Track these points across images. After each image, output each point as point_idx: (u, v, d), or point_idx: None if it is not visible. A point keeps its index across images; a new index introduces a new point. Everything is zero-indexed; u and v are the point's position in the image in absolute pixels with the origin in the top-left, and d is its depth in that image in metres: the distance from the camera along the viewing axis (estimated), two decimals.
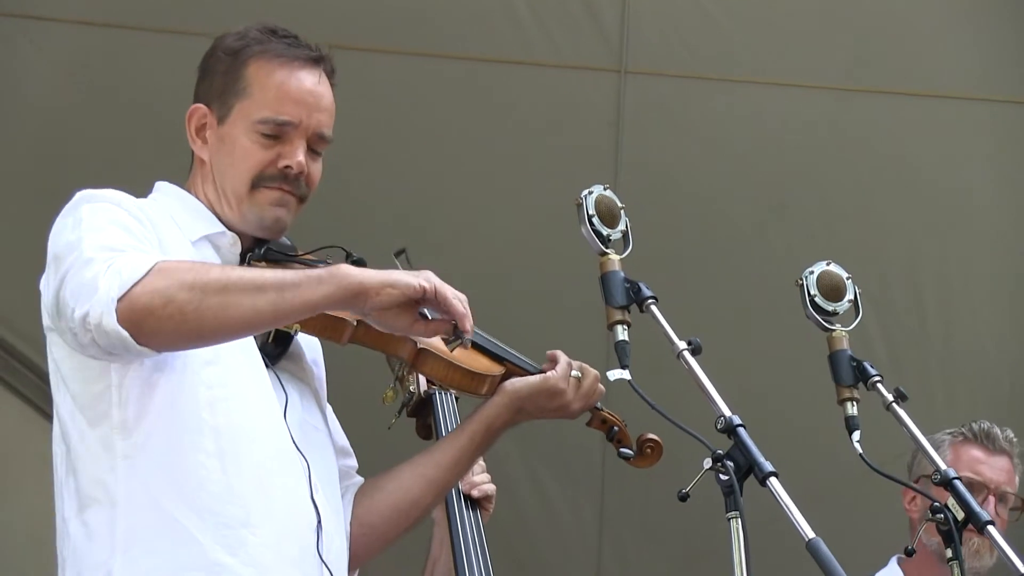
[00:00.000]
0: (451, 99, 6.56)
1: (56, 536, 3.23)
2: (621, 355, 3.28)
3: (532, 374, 3.58)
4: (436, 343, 3.46)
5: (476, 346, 3.54)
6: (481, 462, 3.84)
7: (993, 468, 4.92)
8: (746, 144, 6.64)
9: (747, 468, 3.08)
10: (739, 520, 3.04)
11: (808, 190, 6.70)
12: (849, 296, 3.54)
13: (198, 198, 3.43)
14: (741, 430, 3.12)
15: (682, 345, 3.26)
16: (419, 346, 3.44)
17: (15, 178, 6.46)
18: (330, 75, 3.49)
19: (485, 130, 6.61)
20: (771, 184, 6.68)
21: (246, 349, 3.29)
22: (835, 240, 6.52)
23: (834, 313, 3.52)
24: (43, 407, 6.25)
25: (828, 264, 3.57)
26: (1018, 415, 6.83)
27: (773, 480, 3.05)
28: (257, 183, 3.38)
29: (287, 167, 3.38)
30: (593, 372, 3.59)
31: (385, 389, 3.84)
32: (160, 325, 3.01)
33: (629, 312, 3.33)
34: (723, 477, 3.07)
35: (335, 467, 3.45)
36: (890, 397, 3.43)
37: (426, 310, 3.17)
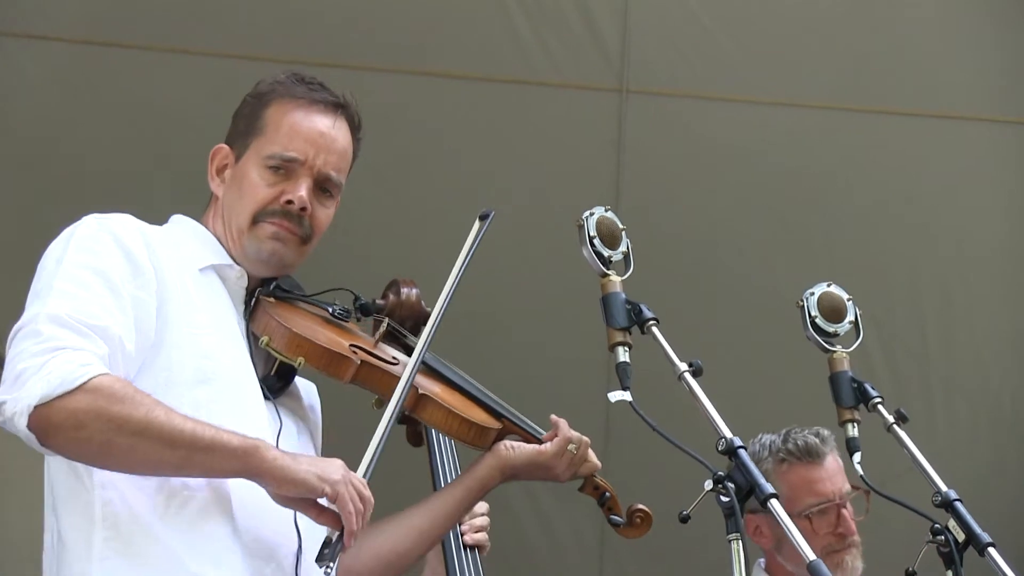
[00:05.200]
0: (452, 119, 6.56)
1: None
2: (622, 376, 3.29)
3: (528, 434, 3.66)
4: (437, 390, 3.54)
5: (477, 400, 3.62)
6: (483, 503, 3.86)
7: (829, 479, 4.65)
8: (748, 163, 6.64)
9: (748, 490, 3.08)
10: (740, 542, 3.04)
11: (810, 210, 6.70)
12: (850, 317, 3.54)
13: (210, 231, 3.48)
14: (742, 452, 3.13)
15: (683, 367, 3.27)
16: (420, 392, 3.49)
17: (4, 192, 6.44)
18: (352, 123, 3.54)
19: (485, 150, 6.61)
20: (773, 204, 6.68)
21: (242, 372, 3.32)
22: (837, 260, 6.51)
23: (835, 334, 3.53)
24: None
25: (829, 285, 3.58)
26: (1019, 434, 6.83)
27: (774, 502, 3.06)
28: (259, 217, 3.43)
29: (288, 202, 3.41)
30: (586, 442, 3.68)
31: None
32: (66, 444, 3.07)
33: (630, 333, 3.34)
34: (724, 499, 3.07)
35: None
36: (891, 419, 3.43)
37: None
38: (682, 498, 3.15)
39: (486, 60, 6.56)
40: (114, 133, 6.26)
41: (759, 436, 4.69)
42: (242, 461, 3.08)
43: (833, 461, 4.65)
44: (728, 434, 3.15)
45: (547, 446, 3.64)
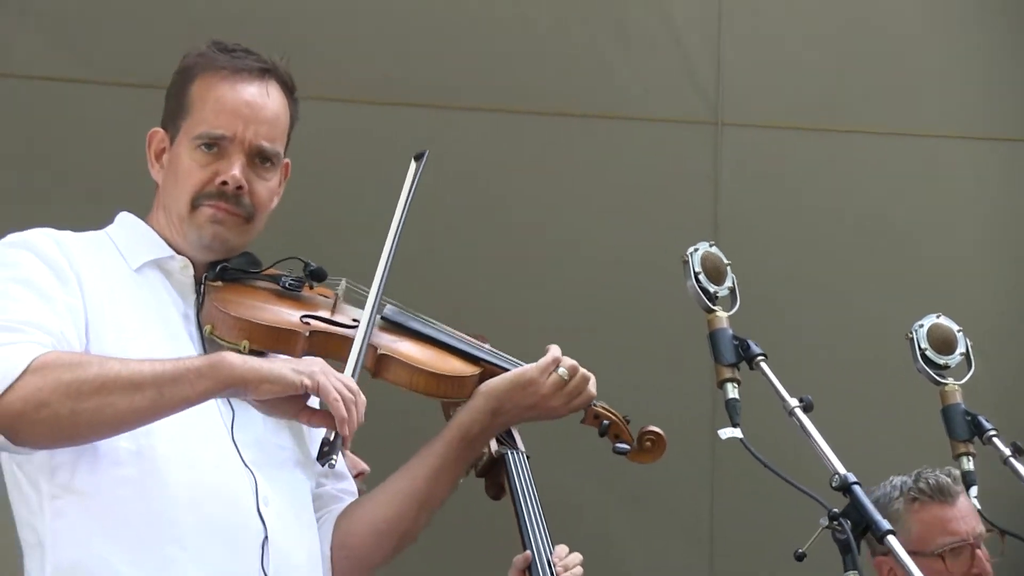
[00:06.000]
0: (547, 156, 6.56)
1: None
2: (732, 413, 3.26)
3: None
4: (400, 347, 3.37)
5: (450, 348, 3.44)
6: (577, 553, 3.71)
7: (963, 519, 4.58)
8: (846, 193, 6.59)
9: (864, 526, 3.05)
10: None
11: (911, 239, 6.64)
12: (960, 349, 3.50)
13: (152, 226, 3.38)
14: (856, 488, 3.09)
15: (794, 402, 3.24)
16: (379, 352, 3.34)
17: None
18: (284, 85, 3.41)
19: (582, 186, 6.60)
20: (873, 233, 6.62)
21: None
22: (942, 292, 6.43)
23: (945, 367, 3.48)
24: None
25: (938, 317, 3.53)
26: None
27: (891, 538, 3.02)
28: (196, 202, 3.33)
29: (223, 183, 3.29)
30: (584, 373, 3.46)
31: None
32: (34, 429, 2.99)
33: (739, 369, 3.31)
34: (840, 535, 3.04)
35: (301, 485, 3.36)
36: (1007, 451, 3.38)
37: (316, 401, 3.09)
38: (795, 535, 3.12)
39: (580, 96, 6.55)
40: (56, 165, 6.25)
41: (889, 478, 4.65)
42: (212, 377, 2.99)
43: (966, 501, 4.58)
44: (842, 470, 3.11)
45: (529, 366, 3.42)
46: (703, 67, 6.50)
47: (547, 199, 6.61)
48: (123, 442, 3.10)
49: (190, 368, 3.01)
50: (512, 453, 3.78)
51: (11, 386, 2.96)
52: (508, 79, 6.47)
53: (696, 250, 3.43)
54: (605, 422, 3.52)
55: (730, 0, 6.46)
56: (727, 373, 3.30)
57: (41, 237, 3.24)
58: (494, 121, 6.47)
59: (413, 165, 3.50)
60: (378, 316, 3.38)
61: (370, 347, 3.31)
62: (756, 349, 3.32)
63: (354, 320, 3.35)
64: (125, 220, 3.43)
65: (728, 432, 3.23)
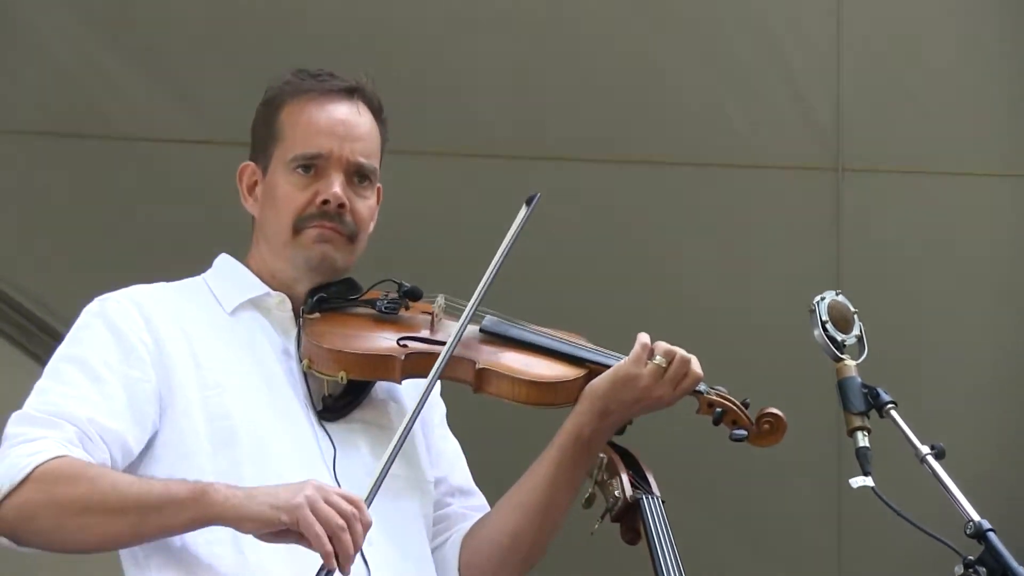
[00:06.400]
0: (667, 205, 6.56)
1: None
2: (863, 462, 3.23)
3: None
4: (500, 358, 3.29)
5: (551, 352, 3.35)
6: None
7: None
8: (972, 239, 6.54)
9: (1001, 573, 3.01)
10: None
11: None
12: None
13: (250, 263, 3.37)
14: (991, 535, 3.06)
15: (925, 450, 3.21)
16: (477, 366, 3.26)
17: None
18: (372, 106, 3.38)
19: (702, 235, 6.60)
20: (1000, 279, 6.56)
21: (274, 416, 3.21)
22: None
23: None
24: None
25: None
26: None
27: None
28: (299, 225, 3.30)
29: (325, 202, 3.27)
30: (682, 355, 3.29)
31: (584, 493, 3.75)
32: (30, 539, 3.03)
33: (868, 418, 3.28)
34: None
35: (412, 514, 3.31)
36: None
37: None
38: None
39: (698, 145, 6.55)
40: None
41: None
42: (193, 510, 2.97)
43: None
44: (976, 517, 3.08)
45: (623, 360, 3.26)
46: (822, 112, 6.47)
47: (667, 249, 6.61)
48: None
49: (175, 497, 2.99)
50: (646, 498, 3.75)
51: (9, 494, 3.01)
52: (622, 130, 6.49)
53: (823, 299, 3.41)
54: (718, 410, 3.36)
55: (849, 43, 6.42)
56: (857, 421, 3.28)
57: (119, 303, 3.25)
58: (607, 172, 6.48)
59: (524, 209, 3.44)
60: (476, 329, 3.32)
61: (468, 362, 3.26)
62: (886, 397, 3.29)
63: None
64: (221, 263, 3.42)
65: (859, 481, 3.21)
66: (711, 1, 6.32)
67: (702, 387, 3.36)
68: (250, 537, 3.02)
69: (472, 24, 6.22)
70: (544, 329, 3.42)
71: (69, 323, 3.29)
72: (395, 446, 3.06)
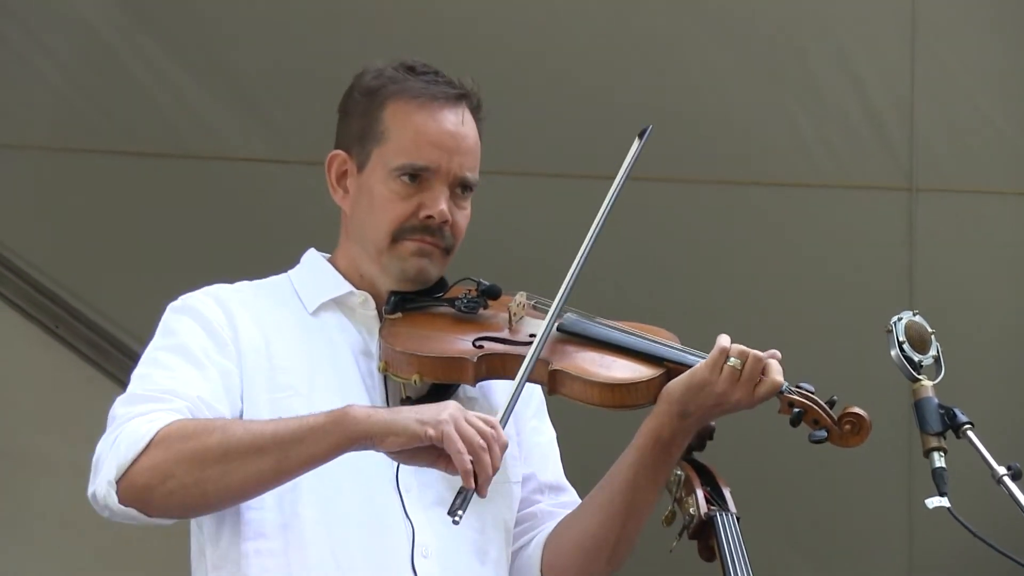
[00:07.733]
0: (739, 225, 6.56)
1: None
2: (939, 482, 3.23)
3: None
4: (574, 359, 3.22)
5: (633, 352, 3.26)
6: None
7: None
8: None
9: None
10: None
11: None
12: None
13: (336, 259, 3.35)
14: None
15: (1002, 471, 3.21)
16: (550, 367, 3.19)
17: None
18: (475, 111, 3.32)
19: (773, 255, 6.58)
20: None
21: None
22: None
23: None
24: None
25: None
26: None
27: None
28: (398, 235, 3.26)
29: (429, 217, 3.24)
30: (756, 356, 3.18)
31: (664, 510, 3.73)
32: (164, 500, 2.99)
33: (945, 438, 3.28)
34: None
35: (485, 519, 3.24)
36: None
37: None
38: None
39: (769, 164, 6.54)
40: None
41: None
42: (337, 434, 2.93)
43: None
44: None
45: (699, 365, 3.16)
46: (896, 131, 6.44)
47: (740, 268, 6.60)
48: (269, 514, 3.13)
49: (314, 426, 2.96)
50: (721, 515, 3.75)
51: (136, 459, 2.98)
52: (699, 148, 6.49)
53: (900, 319, 3.41)
54: (796, 410, 3.21)
55: (922, 61, 6.40)
56: (933, 442, 3.27)
57: (202, 299, 3.25)
58: (678, 191, 6.47)
59: (636, 142, 3.41)
60: (554, 328, 3.25)
61: (542, 362, 3.18)
62: (963, 417, 3.29)
63: (531, 336, 3.23)
64: (308, 260, 3.40)
65: (936, 501, 3.21)
66: (785, 19, 6.30)
67: (783, 387, 3.23)
68: (300, 551, 3.07)
69: (555, 49, 6.24)
70: (626, 325, 3.35)
71: (143, 340, 3.30)
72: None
